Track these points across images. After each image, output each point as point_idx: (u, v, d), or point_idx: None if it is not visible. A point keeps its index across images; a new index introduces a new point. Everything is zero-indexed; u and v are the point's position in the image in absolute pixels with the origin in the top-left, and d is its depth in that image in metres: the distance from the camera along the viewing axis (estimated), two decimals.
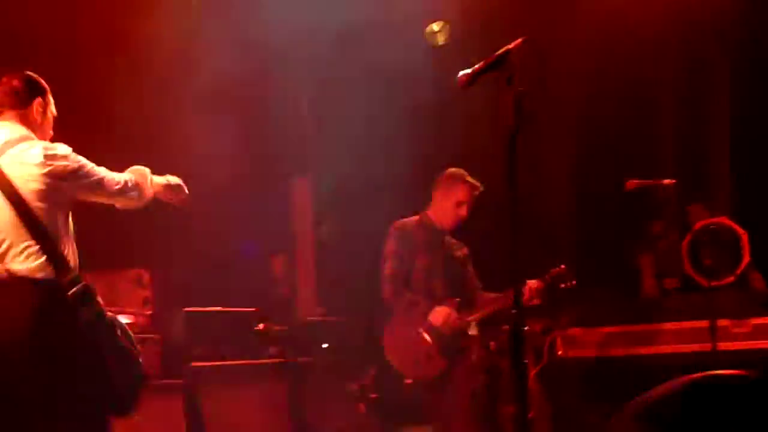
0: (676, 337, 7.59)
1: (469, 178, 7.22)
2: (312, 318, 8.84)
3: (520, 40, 4.02)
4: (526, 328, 8.01)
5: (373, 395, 7.51)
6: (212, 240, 8.79)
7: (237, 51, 8.36)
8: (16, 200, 4.97)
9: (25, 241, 4.97)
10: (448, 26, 9.29)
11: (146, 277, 7.92)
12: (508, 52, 4.00)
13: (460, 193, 7.21)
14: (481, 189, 7.19)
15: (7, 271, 4.97)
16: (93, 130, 7.18)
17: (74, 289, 4.95)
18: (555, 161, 9.09)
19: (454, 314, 7.02)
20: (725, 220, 7.73)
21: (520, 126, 3.90)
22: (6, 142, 5.08)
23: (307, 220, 9.77)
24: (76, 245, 5.15)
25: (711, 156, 8.64)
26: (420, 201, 7.50)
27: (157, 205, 5.54)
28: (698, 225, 7.69)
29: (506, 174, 3.93)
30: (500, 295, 7.04)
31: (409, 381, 7.00)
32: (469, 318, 7.12)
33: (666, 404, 3.15)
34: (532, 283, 7.03)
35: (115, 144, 7.27)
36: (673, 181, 7.25)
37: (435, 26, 9.29)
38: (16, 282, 4.96)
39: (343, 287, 9.17)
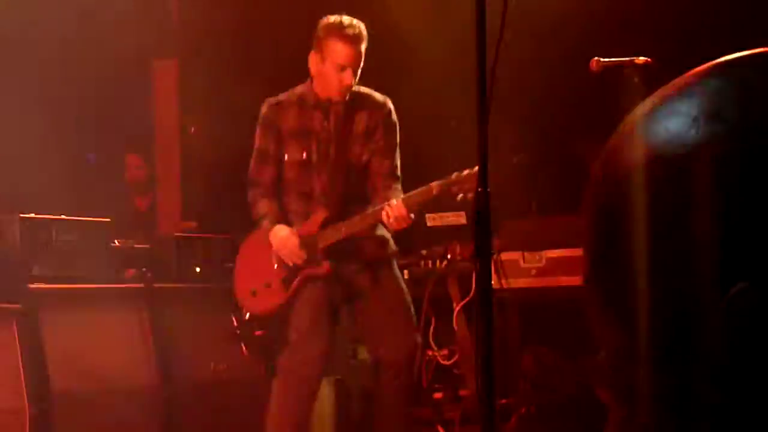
0: None
1: (347, 30, 5.29)
2: (178, 234, 7.50)
3: None
4: (448, 256, 6.75)
5: (258, 332, 5.83)
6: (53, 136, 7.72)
7: None
8: None
9: None
10: None
11: None
12: None
13: (337, 54, 5.30)
14: (365, 44, 5.32)
15: None
16: None
17: None
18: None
19: (294, 239, 5.38)
20: None
21: None
22: None
23: (172, 112, 8.27)
24: None
25: None
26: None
27: None
28: None
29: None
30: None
31: (245, 316, 5.62)
32: (320, 244, 5.40)
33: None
34: (395, 208, 5.12)
35: None
36: (648, 59, 5.53)
37: None
38: None
39: (215, 197, 8.04)
